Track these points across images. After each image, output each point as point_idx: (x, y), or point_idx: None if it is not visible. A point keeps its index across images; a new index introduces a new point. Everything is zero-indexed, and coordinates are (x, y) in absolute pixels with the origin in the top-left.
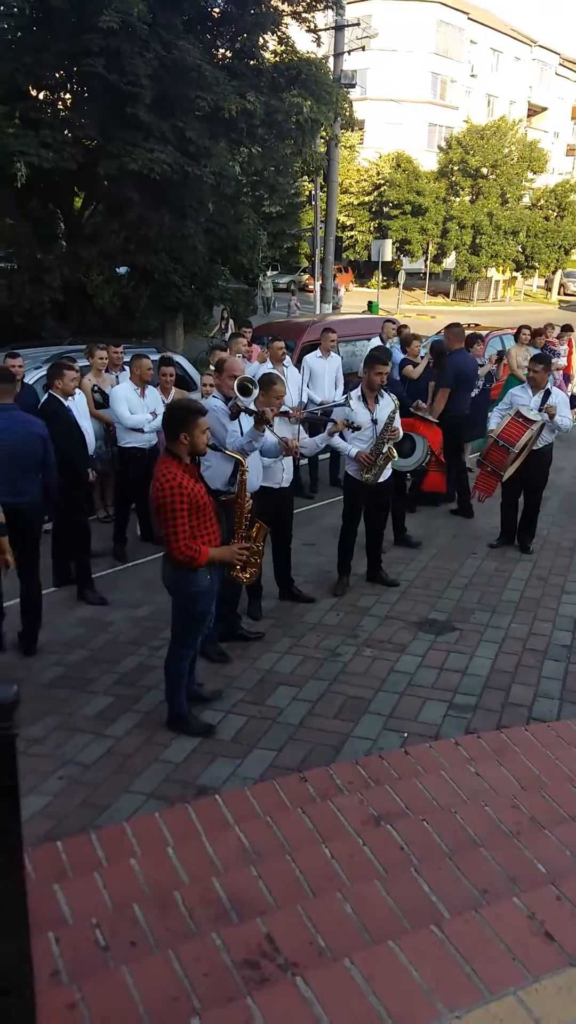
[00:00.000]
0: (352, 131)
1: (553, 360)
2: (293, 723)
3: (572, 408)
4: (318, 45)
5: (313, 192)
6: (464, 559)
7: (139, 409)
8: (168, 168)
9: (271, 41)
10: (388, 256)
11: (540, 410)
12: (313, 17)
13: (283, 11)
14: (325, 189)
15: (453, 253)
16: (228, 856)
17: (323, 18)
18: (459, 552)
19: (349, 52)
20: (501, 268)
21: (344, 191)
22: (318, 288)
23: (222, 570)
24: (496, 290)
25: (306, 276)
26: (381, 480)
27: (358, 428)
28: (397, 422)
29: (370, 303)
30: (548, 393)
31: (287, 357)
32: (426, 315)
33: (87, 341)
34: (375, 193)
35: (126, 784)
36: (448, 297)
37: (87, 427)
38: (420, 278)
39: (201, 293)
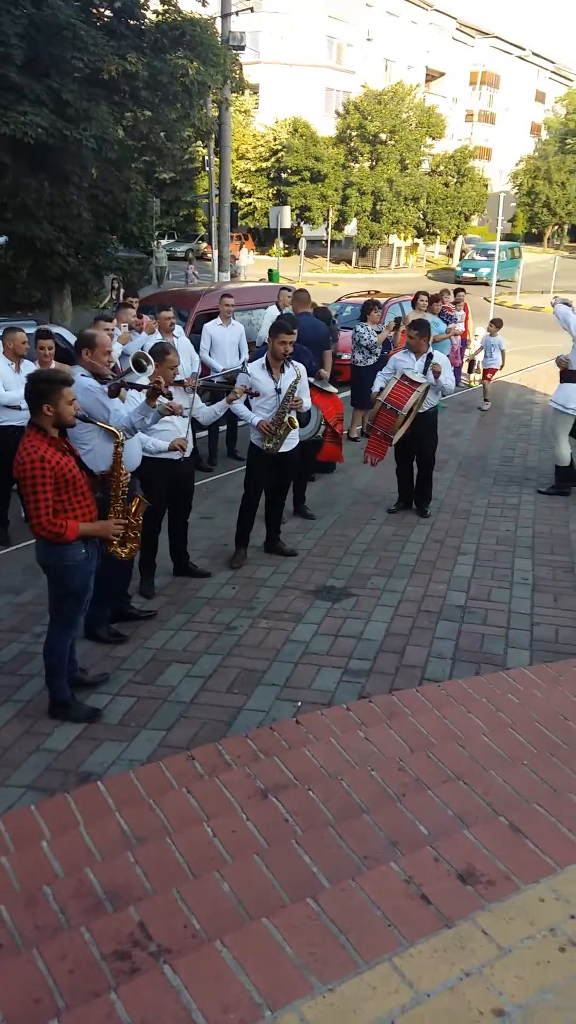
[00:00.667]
0: (243, 95)
1: (450, 325)
2: (185, 700)
3: (470, 372)
4: (204, 5)
5: (207, 157)
6: (363, 525)
7: (14, 385)
8: (43, 132)
9: (153, 0)
10: (287, 223)
11: (424, 372)
12: None
13: None
14: (218, 154)
15: (354, 220)
16: (106, 844)
17: None
18: (358, 519)
19: (237, 13)
20: (403, 235)
21: (241, 157)
22: (216, 256)
23: (101, 547)
24: (398, 257)
25: (204, 244)
26: (285, 450)
27: (256, 395)
28: (301, 392)
29: (270, 271)
30: (430, 356)
31: (177, 327)
32: (328, 282)
33: None
34: (273, 159)
35: (3, 777)
36: (351, 264)
37: None
38: (322, 245)
39: (88, 263)
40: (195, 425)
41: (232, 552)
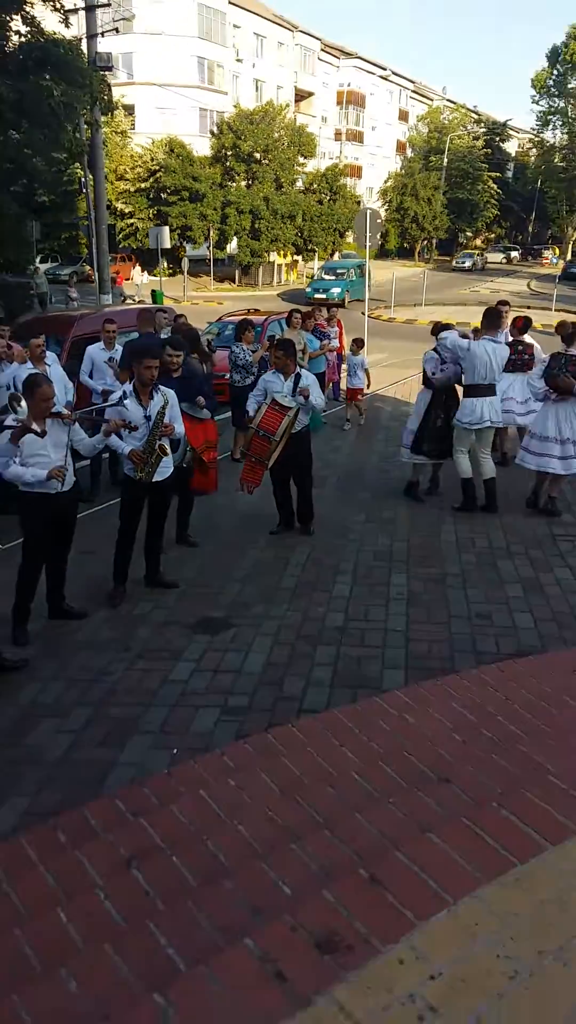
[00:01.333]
0: (111, 115)
1: (323, 341)
2: (52, 760)
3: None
4: (66, 26)
5: (83, 179)
6: (246, 550)
7: None
8: None
9: (15, 21)
10: (167, 243)
11: (293, 395)
12: None
13: None
14: (93, 175)
15: (235, 238)
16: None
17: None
18: (240, 543)
19: (103, 34)
20: (282, 252)
21: (120, 178)
22: (97, 278)
23: None
24: (280, 274)
25: (87, 267)
26: (158, 479)
27: (135, 428)
28: (173, 418)
29: (154, 291)
30: (299, 376)
31: (50, 354)
32: (213, 301)
33: None
34: (151, 179)
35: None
36: (234, 283)
37: None
38: (205, 264)
39: None
40: (76, 455)
41: (111, 588)
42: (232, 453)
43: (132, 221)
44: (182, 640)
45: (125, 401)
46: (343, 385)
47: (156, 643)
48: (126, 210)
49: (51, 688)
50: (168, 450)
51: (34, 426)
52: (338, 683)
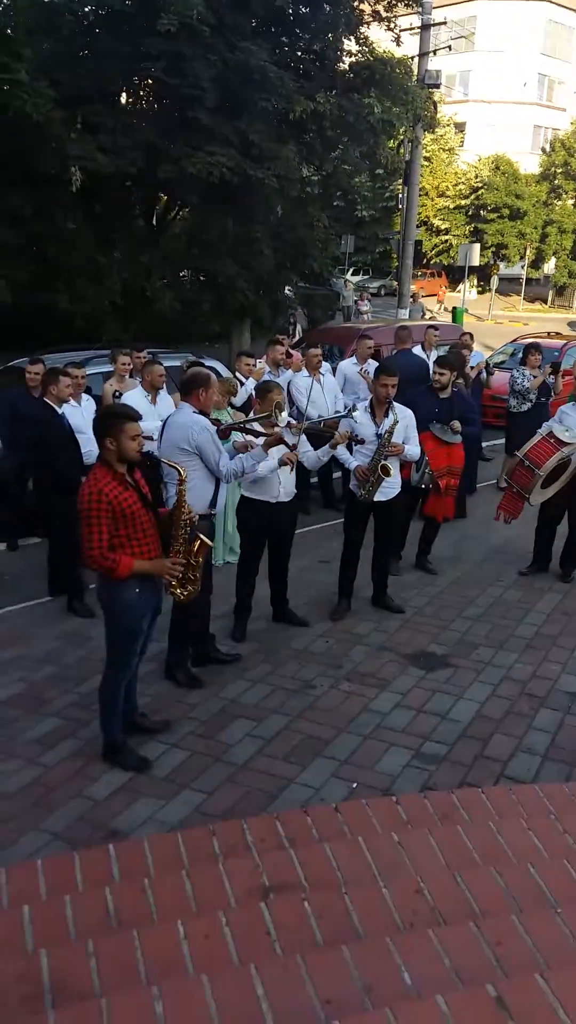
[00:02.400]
0: (436, 133)
1: None
2: (237, 762)
3: None
4: (398, 45)
5: (401, 196)
6: (487, 587)
7: (150, 416)
8: (228, 171)
9: (348, 42)
10: (476, 260)
11: None
12: (395, 16)
13: (362, 11)
14: (407, 192)
15: (553, 258)
16: (83, 923)
17: (414, 19)
18: (483, 578)
19: (435, 52)
20: None
21: (441, 194)
22: (398, 293)
23: (161, 588)
24: None
25: (394, 281)
26: (381, 499)
27: (361, 441)
28: (400, 437)
29: (455, 309)
30: None
31: (325, 364)
32: (519, 321)
33: (115, 346)
34: (472, 196)
35: (38, 820)
36: (546, 304)
37: (90, 435)
38: (519, 284)
39: (267, 298)
40: (304, 471)
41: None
42: (497, 481)
43: (447, 238)
44: (394, 668)
45: (355, 414)
46: None
47: (367, 667)
48: (442, 226)
49: (255, 690)
50: (391, 470)
51: (286, 437)
52: (554, 755)
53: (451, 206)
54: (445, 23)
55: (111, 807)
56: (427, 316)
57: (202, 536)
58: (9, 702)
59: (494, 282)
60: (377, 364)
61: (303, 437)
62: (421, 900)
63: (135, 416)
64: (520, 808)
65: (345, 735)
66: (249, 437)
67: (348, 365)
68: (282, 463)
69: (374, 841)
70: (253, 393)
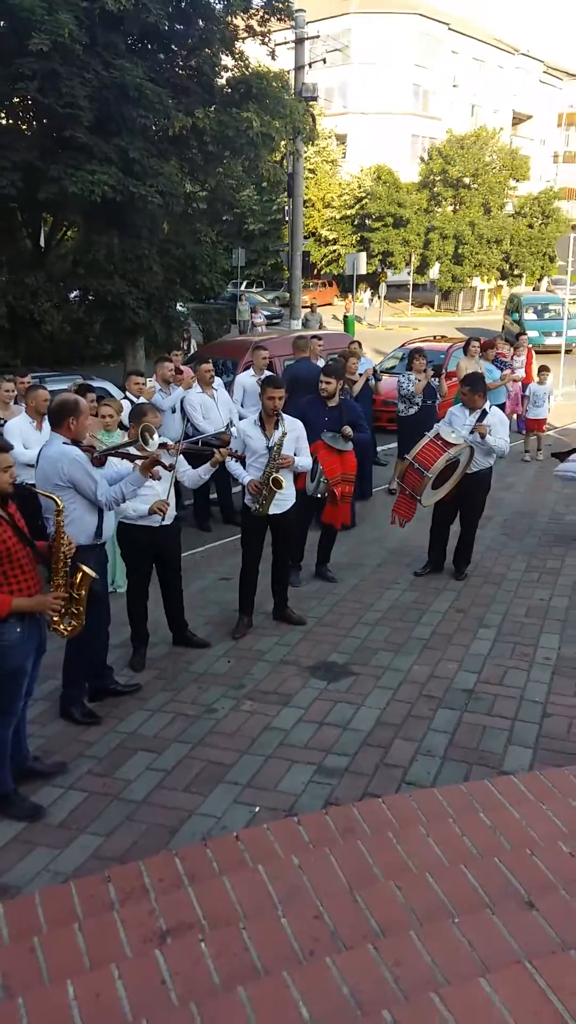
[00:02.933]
0: (316, 144)
1: (505, 372)
2: (136, 799)
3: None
4: (273, 59)
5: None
6: (384, 590)
7: (35, 443)
8: (110, 189)
9: (225, 57)
10: (363, 269)
11: (472, 431)
12: (269, 31)
13: (236, 26)
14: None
15: (436, 264)
16: None
17: (289, 33)
18: (381, 582)
19: (310, 65)
20: (485, 277)
21: (327, 205)
22: (290, 305)
23: (43, 625)
24: (482, 299)
25: (288, 293)
26: (276, 511)
27: (241, 457)
28: (291, 449)
29: (346, 317)
30: (484, 414)
31: (217, 380)
32: (409, 326)
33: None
34: (357, 206)
35: None
36: (433, 308)
37: None
38: (405, 290)
39: (159, 315)
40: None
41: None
42: (389, 484)
43: (335, 248)
44: (296, 682)
45: (242, 427)
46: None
47: (269, 684)
48: (330, 237)
49: (154, 720)
50: (283, 483)
51: (163, 459)
52: (452, 755)
53: (337, 216)
54: (319, 36)
55: (2, 861)
56: (322, 326)
57: (84, 567)
58: None
59: (382, 289)
60: (269, 375)
61: (181, 457)
62: (321, 926)
63: (5, 447)
64: (420, 815)
65: (247, 757)
66: (126, 462)
67: (246, 377)
68: (151, 511)
69: (275, 867)
70: None
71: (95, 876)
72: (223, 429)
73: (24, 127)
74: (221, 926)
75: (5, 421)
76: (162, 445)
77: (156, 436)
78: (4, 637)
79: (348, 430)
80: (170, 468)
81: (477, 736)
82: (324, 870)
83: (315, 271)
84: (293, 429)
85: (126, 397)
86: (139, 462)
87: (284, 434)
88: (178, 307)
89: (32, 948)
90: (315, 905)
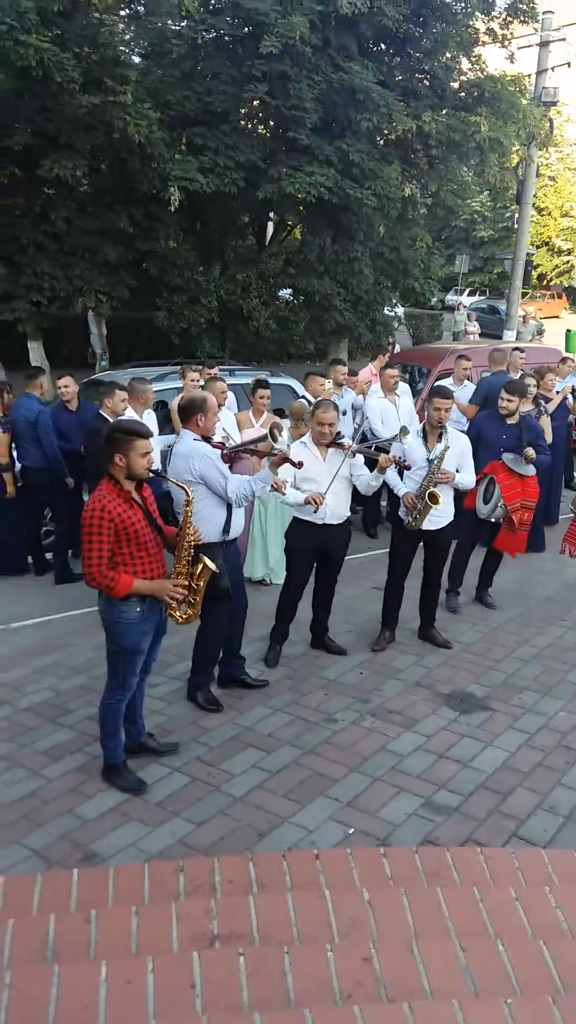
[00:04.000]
0: (560, 151)
1: None
2: (236, 794)
3: None
4: (512, 62)
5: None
6: (546, 626)
7: None
8: (326, 191)
9: (461, 60)
10: None
11: None
12: (511, 34)
13: (476, 29)
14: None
15: None
16: (20, 952)
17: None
18: (546, 617)
19: (553, 69)
20: None
21: (564, 215)
22: (506, 314)
23: (163, 607)
24: None
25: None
26: (433, 527)
27: (408, 467)
28: (453, 464)
29: (568, 332)
30: None
31: (402, 385)
32: None
33: (184, 362)
34: None
35: (22, 834)
36: None
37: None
38: None
39: (365, 317)
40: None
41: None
42: (571, 511)
43: (569, 258)
44: (425, 708)
45: (407, 438)
46: None
47: (396, 704)
48: (564, 247)
49: (273, 719)
50: (440, 499)
51: (291, 456)
52: None
53: (575, 226)
54: (564, 39)
55: (97, 829)
56: (537, 338)
57: (206, 559)
58: (33, 709)
59: None
60: (438, 384)
61: (360, 459)
62: (368, 970)
63: (146, 433)
64: (519, 874)
65: (355, 775)
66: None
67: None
68: (306, 502)
69: (343, 896)
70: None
71: (171, 862)
72: (393, 436)
73: (252, 128)
74: (270, 944)
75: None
76: (339, 444)
77: (285, 433)
78: (124, 615)
79: (531, 452)
80: (298, 465)
81: None
82: (393, 911)
83: (544, 282)
84: (457, 443)
85: (304, 397)
86: (268, 458)
87: (446, 448)
88: (394, 310)
89: (88, 920)
90: (368, 946)
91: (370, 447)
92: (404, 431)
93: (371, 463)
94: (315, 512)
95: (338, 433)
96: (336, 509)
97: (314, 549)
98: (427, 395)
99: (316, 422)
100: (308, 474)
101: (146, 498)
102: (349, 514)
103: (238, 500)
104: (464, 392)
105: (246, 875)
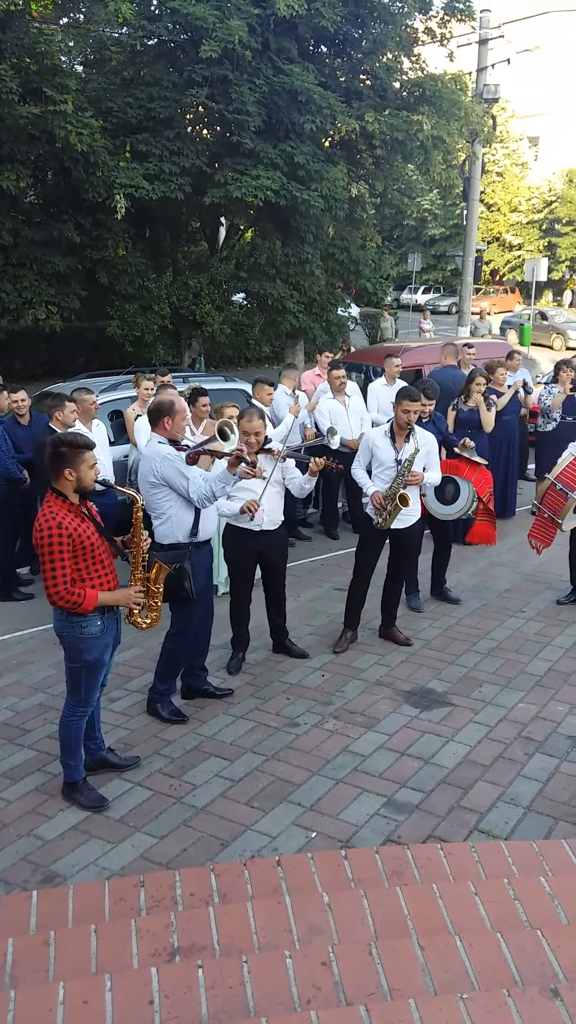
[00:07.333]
0: (506, 147)
1: None
2: (197, 805)
3: None
4: (451, 61)
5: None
6: (506, 618)
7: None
8: (273, 194)
9: (401, 59)
10: (543, 276)
11: None
12: (449, 33)
13: (415, 28)
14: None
15: None
16: None
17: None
18: (505, 609)
19: (493, 66)
20: None
21: (513, 210)
22: (458, 311)
23: (120, 618)
24: None
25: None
26: (402, 527)
27: (339, 468)
28: (420, 465)
29: (522, 327)
30: None
31: (351, 385)
32: None
33: (138, 371)
34: (546, 210)
35: None
36: None
37: (100, 459)
38: None
39: (319, 319)
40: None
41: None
42: (531, 506)
43: (520, 253)
44: (386, 706)
45: (334, 439)
46: None
47: (358, 704)
48: (515, 242)
49: (235, 727)
50: (410, 500)
51: (246, 456)
52: (538, 806)
53: (524, 221)
54: (502, 36)
55: (58, 849)
56: (488, 335)
57: (160, 561)
58: None
59: (567, 296)
60: (404, 385)
61: (291, 463)
62: (327, 975)
63: (92, 444)
64: (479, 868)
65: (317, 778)
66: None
67: (378, 386)
68: (242, 511)
69: (304, 901)
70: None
71: (131, 878)
72: (332, 438)
73: (196, 133)
74: (228, 955)
75: (140, 416)
76: (266, 450)
77: (235, 433)
78: (85, 630)
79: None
80: (252, 466)
81: (572, 789)
82: (352, 914)
83: (497, 277)
84: (425, 444)
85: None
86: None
87: (416, 451)
88: (348, 311)
89: (47, 942)
90: (327, 950)
91: (299, 450)
92: (332, 432)
93: (303, 465)
94: (251, 520)
95: (266, 439)
96: (272, 515)
97: (253, 556)
98: (395, 397)
99: (242, 431)
100: (241, 483)
101: (91, 509)
102: (283, 518)
103: (199, 501)
104: (393, 390)
105: (207, 886)
